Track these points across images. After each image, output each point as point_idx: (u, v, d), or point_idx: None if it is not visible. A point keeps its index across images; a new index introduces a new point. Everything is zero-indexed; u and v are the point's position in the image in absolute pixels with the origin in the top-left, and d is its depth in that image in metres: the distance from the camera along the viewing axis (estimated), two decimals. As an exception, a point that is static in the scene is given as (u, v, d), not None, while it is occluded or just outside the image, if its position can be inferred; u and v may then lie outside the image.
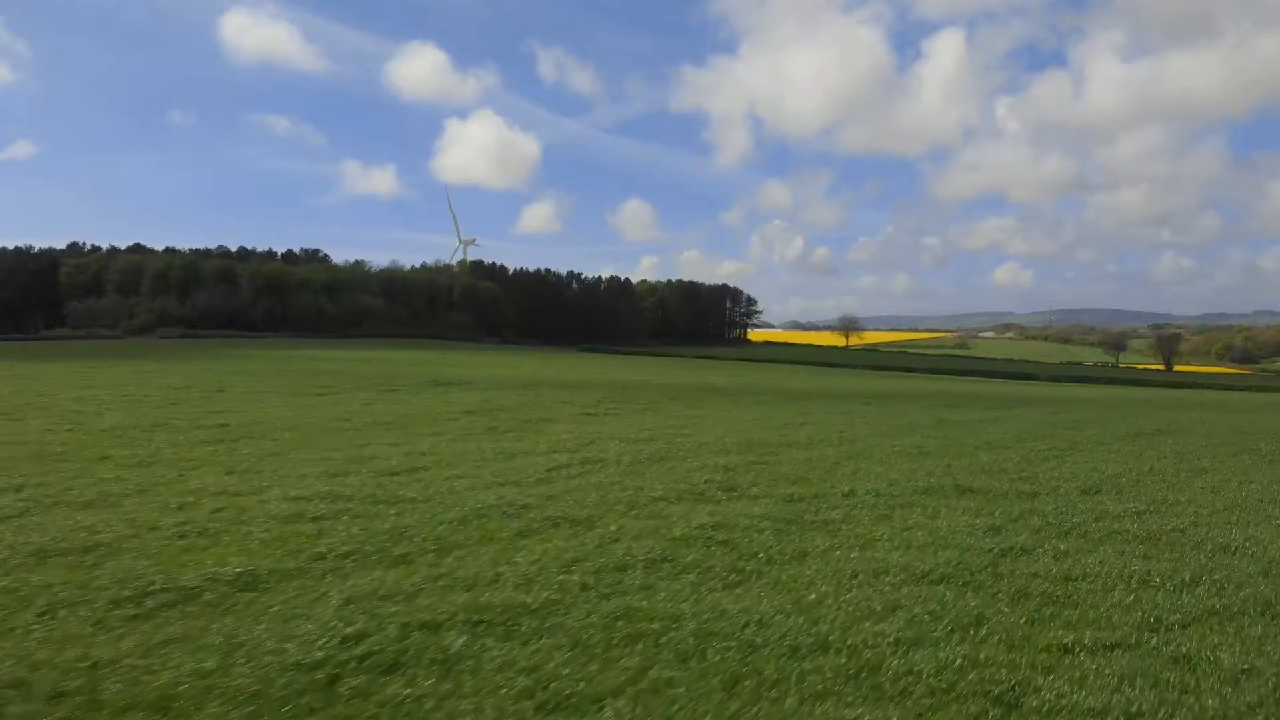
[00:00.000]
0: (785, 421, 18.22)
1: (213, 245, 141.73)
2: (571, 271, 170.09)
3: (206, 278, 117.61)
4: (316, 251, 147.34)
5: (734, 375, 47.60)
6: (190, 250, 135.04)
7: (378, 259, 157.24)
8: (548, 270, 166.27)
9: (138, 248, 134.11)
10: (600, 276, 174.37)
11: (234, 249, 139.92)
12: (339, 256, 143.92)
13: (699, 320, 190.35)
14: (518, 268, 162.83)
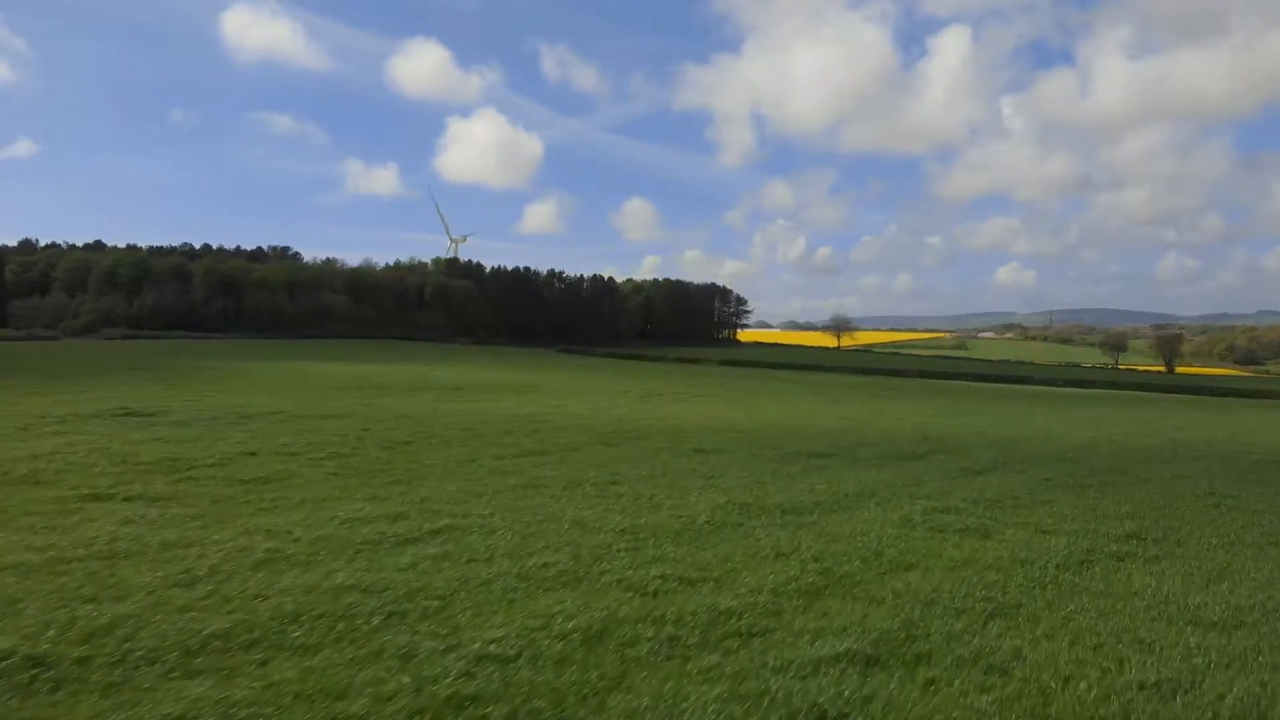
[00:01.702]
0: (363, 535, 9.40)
1: (213, 244, 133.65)
2: (553, 270, 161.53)
3: (158, 276, 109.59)
4: (287, 249, 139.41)
5: (647, 389, 38.73)
6: (149, 248, 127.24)
7: (373, 258, 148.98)
8: (527, 269, 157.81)
9: (97, 245, 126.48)
10: (583, 276, 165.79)
11: (198, 246, 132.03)
12: (341, 257, 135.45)
13: (686, 320, 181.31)
14: (496, 266, 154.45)
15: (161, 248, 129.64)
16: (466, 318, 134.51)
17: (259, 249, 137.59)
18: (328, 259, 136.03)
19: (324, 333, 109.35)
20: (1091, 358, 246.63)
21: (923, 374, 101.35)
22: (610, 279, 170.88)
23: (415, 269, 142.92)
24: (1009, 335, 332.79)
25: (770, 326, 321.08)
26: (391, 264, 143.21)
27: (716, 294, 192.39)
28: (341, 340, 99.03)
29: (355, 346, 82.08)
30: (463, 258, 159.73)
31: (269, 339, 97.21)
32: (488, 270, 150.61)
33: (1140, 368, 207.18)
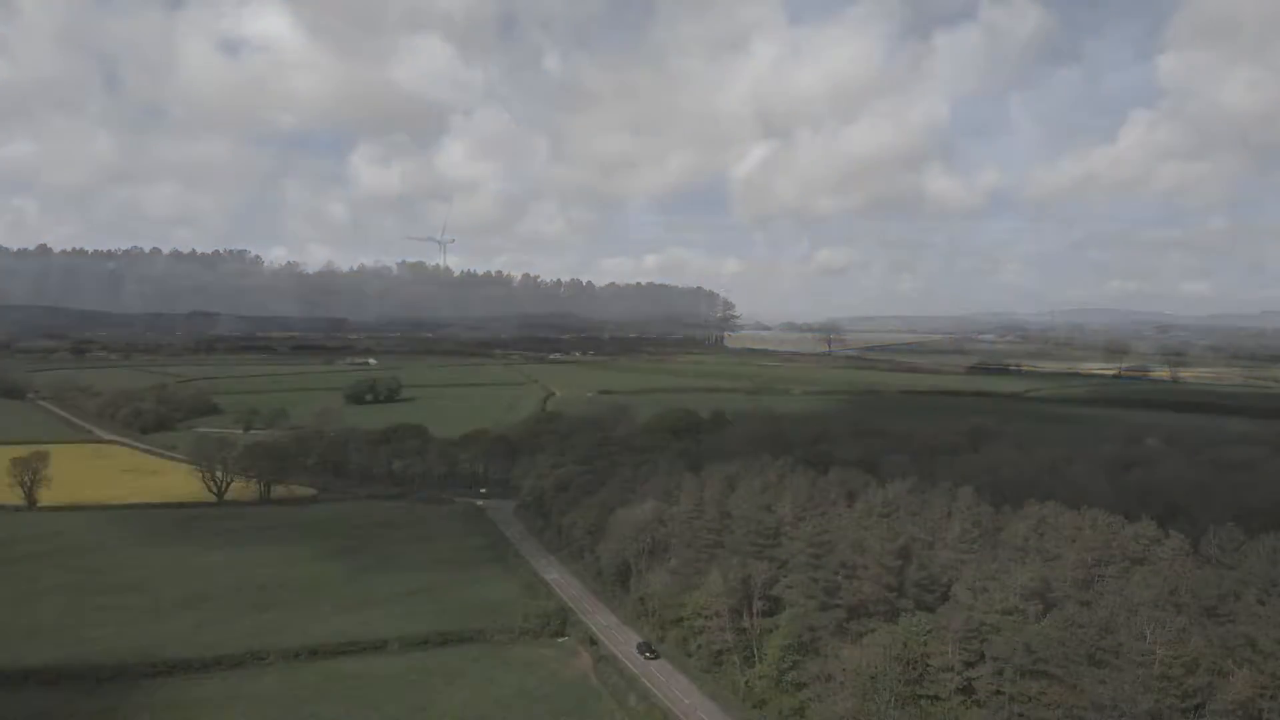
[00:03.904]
0: None
1: (221, 249, 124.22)
2: (528, 274, 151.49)
3: (88, 282, 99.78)
4: (245, 252, 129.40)
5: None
6: (94, 251, 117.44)
7: (336, 262, 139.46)
8: (499, 272, 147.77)
9: (42, 249, 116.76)
10: (560, 280, 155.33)
11: (147, 249, 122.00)
12: (339, 258, 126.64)
13: (670, 324, 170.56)
14: (467, 270, 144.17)
15: (110, 252, 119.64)
16: (429, 323, 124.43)
17: (215, 252, 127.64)
18: (289, 263, 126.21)
19: (261, 342, 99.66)
20: (1093, 361, 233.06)
21: (903, 393, 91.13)
22: (589, 282, 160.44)
23: (380, 273, 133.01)
24: (1010, 337, 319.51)
25: (767, 328, 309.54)
26: (355, 268, 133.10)
27: (702, 297, 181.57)
28: (267, 354, 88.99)
29: (262, 358, 71.46)
30: (448, 260, 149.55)
31: (212, 352, 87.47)
32: (457, 274, 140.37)
33: (1143, 375, 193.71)
